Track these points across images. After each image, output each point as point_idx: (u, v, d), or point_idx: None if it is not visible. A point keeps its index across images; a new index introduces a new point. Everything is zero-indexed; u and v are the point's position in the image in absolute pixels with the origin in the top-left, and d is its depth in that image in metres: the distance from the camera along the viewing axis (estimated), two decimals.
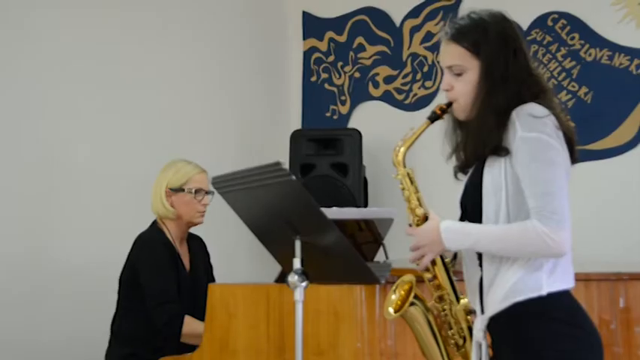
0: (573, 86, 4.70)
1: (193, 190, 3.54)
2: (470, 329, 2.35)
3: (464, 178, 2.39)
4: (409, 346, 2.66)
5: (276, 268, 3.04)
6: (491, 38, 2.27)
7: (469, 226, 2.25)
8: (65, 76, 4.30)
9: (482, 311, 2.28)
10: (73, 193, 4.27)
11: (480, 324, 2.28)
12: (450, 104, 2.33)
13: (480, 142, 2.25)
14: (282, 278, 2.93)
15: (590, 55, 4.66)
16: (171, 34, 4.79)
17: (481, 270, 2.29)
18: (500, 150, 2.21)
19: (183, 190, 3.54)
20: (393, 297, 2.38)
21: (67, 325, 4.14)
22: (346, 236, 2.42)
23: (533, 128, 2.17)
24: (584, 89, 4.67)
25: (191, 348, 3.31)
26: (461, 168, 2.38)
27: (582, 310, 2.25)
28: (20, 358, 4.01)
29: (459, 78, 2.29)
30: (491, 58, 2.26)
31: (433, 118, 2.34)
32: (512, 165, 2.20)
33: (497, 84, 2.25)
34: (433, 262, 2.35)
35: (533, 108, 2.20)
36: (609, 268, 3.44)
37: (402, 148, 2.36)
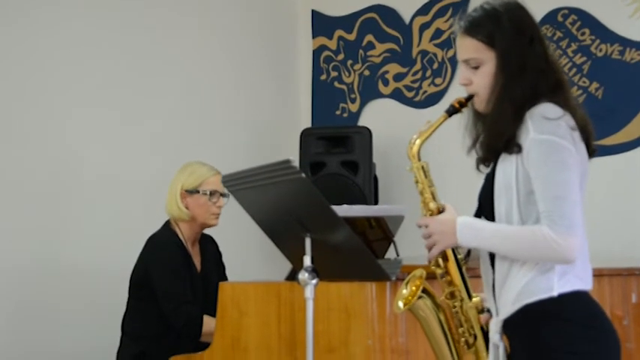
0: (584, 82, 4.68)
1: (208, 192, 3.55)
2: (481, 328, 2.32)
3: (485, 171, 2.34)
4: (420, 343, 2.66)
5: (287, 266, 3.04)
6: (505, 28, 2.23)
7: (483, 223, 2.23)
8: (76, 80, 4.29)
9: (497, 312, 2.26)
10: (85, 197, 4.27)
11: (495, 326, 2.26)
12: (469, 98, 2.29)
13: (495, 133, 2.21)
14: (292, 276, 2.94)
15: (600, 50, 4.65)
16: (181, 34, 4.79)
17: (493, 270, 2.27)
18: (513, 145, 2.18)
19: (198, 191, 3.55)
20: (404, 291, 2.36)
21: (80, 327, 4.14)
22: (357, 234, 2.41)
23: (545, 130, 2.13)
24: (595, 85, 4.66)
25: (202, 346, 3.32)
26: (482, 160, 2.33)
27: (599, 311, 2.21)
28: None
29: (477, 71, 2.25)
30: (506, 49, 2.22)
31: (451, 111, 2.30)
32: (524, 166, 2.17)
33: (515, 74, 2.21)
34: (445, 258, 2.31)
35: (546, 109, 2.16)
36: (621, 264, 3.43)
37: (418, 141, 2.32)
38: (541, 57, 2.24)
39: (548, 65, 2.25)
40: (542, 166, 2.13)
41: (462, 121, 2.36)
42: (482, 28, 2.24)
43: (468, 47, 2.27)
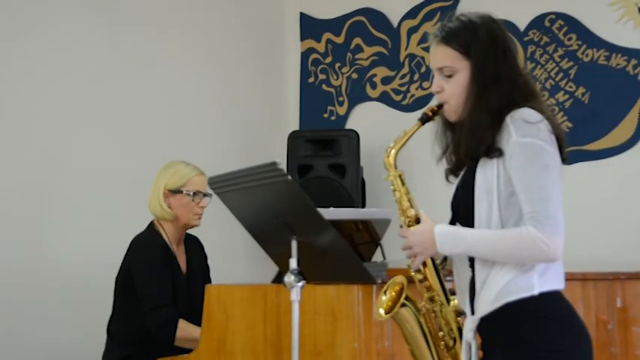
0: (570, 87, 4.70)
1: (192, 193, 3.53)
2: (460, 330, 2.36)
3: (455, 181, 2.39)
4: (406, 346, 2.66)
5: (273, 269, 3.04)
6: (481, 39, 2.29)
7: (463, 231, 2.27)
8: (63, 75, 4.26)
9: (473, 312, 2.29)
10: (71, 195, 4.24)
11: (470, 324, 2.29)
12: (440, 106, 2.35)
13: (474, 141, 2.26)
14: (279, 278, 2.94)
15: (587, 55, 4.67)
16: (169, 36, 4.78)
17: (472, 271, 2.30)
18: (494, 150, 2.23)
19: (181, 191, 3.53)
20: (384, 298, 2.38)
21: (64, 327, 4.12)
22: (344, 237, 2.43)
23: (527, 133, 2.19)
24: (581, 90, 4.67)
25: (189, 350, 3.30)
26: (452, 170, 2.40)
27: (573, 310, 2.27)
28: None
29: (450, 79, 2.31)
30: (481, 59, 2.28)
31: (424, 119, 2.36)
32: (506, 168, 2.21)
33: (489, 84, 2.26)
34: (424, 264, 2.36)
35: (526, 113, 2.21)
36: (606, 268, 3.45)
37: (393, 150, 2.38)
38: (513, 69, 2.31)
39: (521, 77, 2.31)
40: (526, 169, 2.18)
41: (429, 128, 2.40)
42: (458, 38, 2.30)
43: (442, 55, 2.33)
